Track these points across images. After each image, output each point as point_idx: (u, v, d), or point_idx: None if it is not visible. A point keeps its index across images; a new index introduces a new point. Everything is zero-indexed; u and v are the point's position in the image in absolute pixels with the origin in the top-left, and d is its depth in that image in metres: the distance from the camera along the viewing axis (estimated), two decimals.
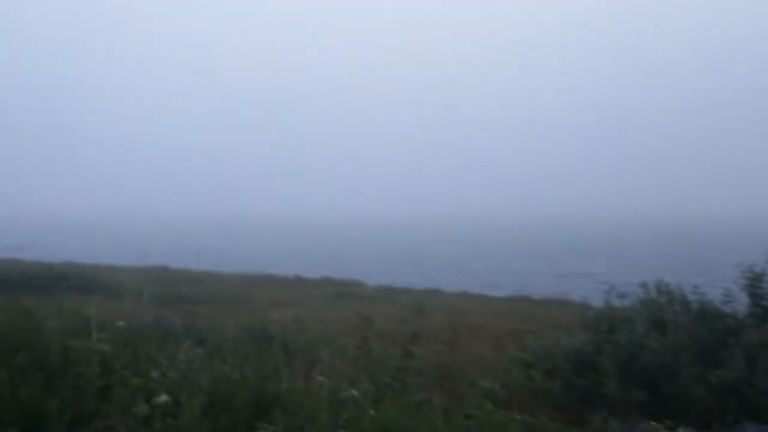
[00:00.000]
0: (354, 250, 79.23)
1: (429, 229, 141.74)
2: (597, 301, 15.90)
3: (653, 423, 6.07)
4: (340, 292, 30.18)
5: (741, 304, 9.70)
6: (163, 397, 4.20)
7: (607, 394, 8.32)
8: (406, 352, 7.09)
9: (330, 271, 40.76)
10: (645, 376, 8.51)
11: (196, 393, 4.34)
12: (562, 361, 8.79)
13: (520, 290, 33.09)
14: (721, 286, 10.06)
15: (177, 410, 4.02)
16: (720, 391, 8.38)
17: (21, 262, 36.96)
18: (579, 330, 9.92)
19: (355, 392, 5.12)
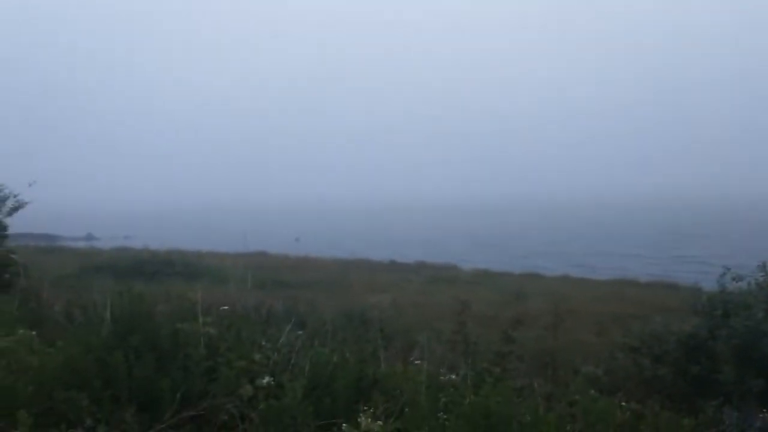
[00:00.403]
0: (447, 234, 78.95)
1: (512, 213, 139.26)
2: (705, 284, 15.11)
3: None
4: (436, 276, 30.20)
5: None
6: (266, 379, 4.29)
7: (721, 381, 7.88)
8: (506, 337, 6.97)
9: (424, 256, 40.88)
10: (764, 364, 8.00)
11: (297, 375, 4.40)
12: (673, 347, 8.39)
13: (620, 274, 32.07)
14: None
15: (279, 392, 4.09)
16: None
17: (130, 249, 39.16)
18: (691, 314, 9.44)
19: (454, 377, 5.07)
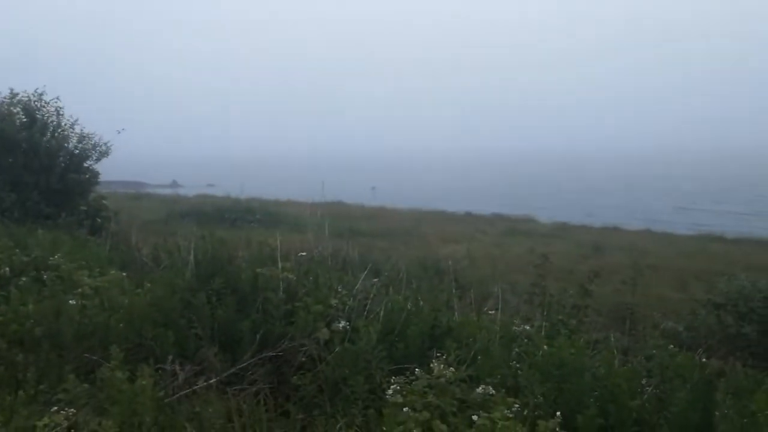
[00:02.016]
0: (523, 186, 77.60)
1: (588, 165, 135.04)
2: None
3: None
4: (513, 228, 29.90)
5: None
6: (342, 323, 4.40)
7: None
8: (583, 290, 6.88)
9: (501, 209, 40.42)
10: None
11: (372, 321, 4.49)
12: (760, 305, 8.08)
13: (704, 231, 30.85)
14: None
15: (355, 336, 4.19)
16: None
17: (212, 197, 40.42)
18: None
19: (528, 327, 5.05)
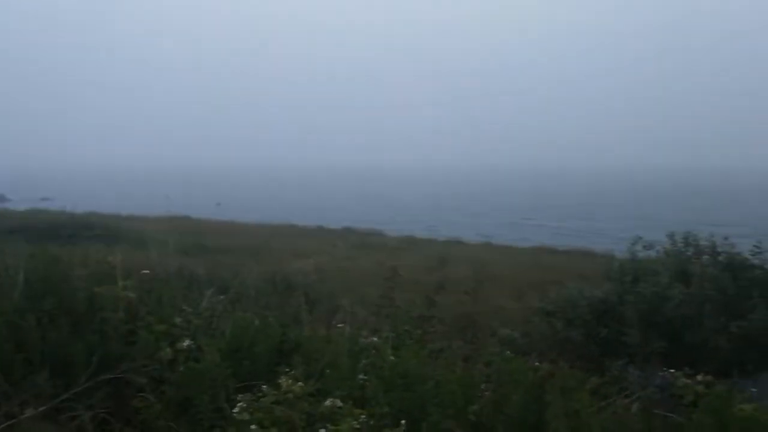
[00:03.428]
0: (373, 200, 79.16)
1: (423, 181, 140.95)
2: (618, 253, 15.79)
3: (672, 371, 6.05)
4: (363, 242, 30.33)
5: None
6: (187, 342, 4.27)
7: (628, 343, 8.32)
8: (428, 301, 7.11)
9: (350, 222, 40.95)
10: (666, 326, 8.49)
11: (218, 338, 4.39)
12: (585, 311, 8.79)
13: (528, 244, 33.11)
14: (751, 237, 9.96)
15: (199, 355, 4.08)
16: (741, 342, 8.36)
17: (47, 212, 37.54)
18: (603, 281, 9.88)
19: (375, 339, 5.16)
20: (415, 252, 26.74)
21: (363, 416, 3.43)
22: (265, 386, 3.68)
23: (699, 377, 5.75)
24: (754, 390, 6.27)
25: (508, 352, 5.36)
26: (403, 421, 3.42)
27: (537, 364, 5.21)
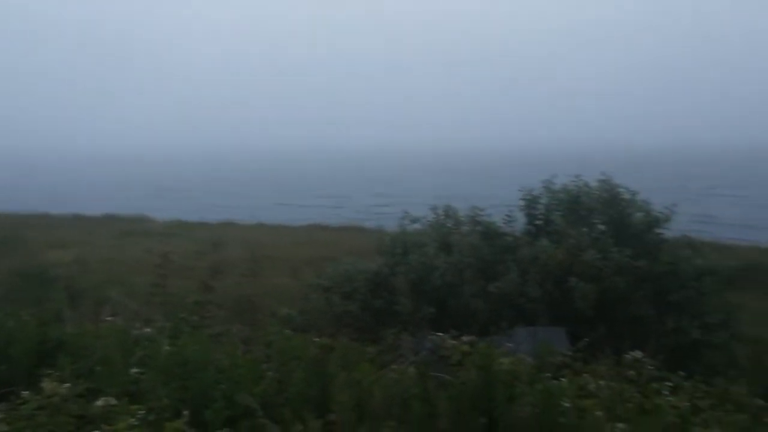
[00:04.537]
0: (137, 186, 74.89)
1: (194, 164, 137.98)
2: (389, 227, 16.62)
3: (441, 334, 6.53)
4: (128, 229, 28.61)
5: (520, 223, 10.71)
6: None
7: (400, 312, 8.81)
8: (204, 286, 6.91)
9: (113, 209, 38.36)
10: (434, 294, 9.14)
11: None
12: (361, 285, 9.13)
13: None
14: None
15: None
16: (497, 302, 9.27)
17: None
18: (375, 255, 10.33)
19: (149, 330, 4.90)
20: (185, 237, 25.83)
21: (141, 412, 3.24)
22: (25, 392, 3.32)
23: (464, 338, 6.28)
24: (510, 345, 7.00)
25: (288, 330, 5.40)
26: (185, 412, 3.28)
27: (317, 339, 5.31)
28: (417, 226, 10.82)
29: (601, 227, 9.73)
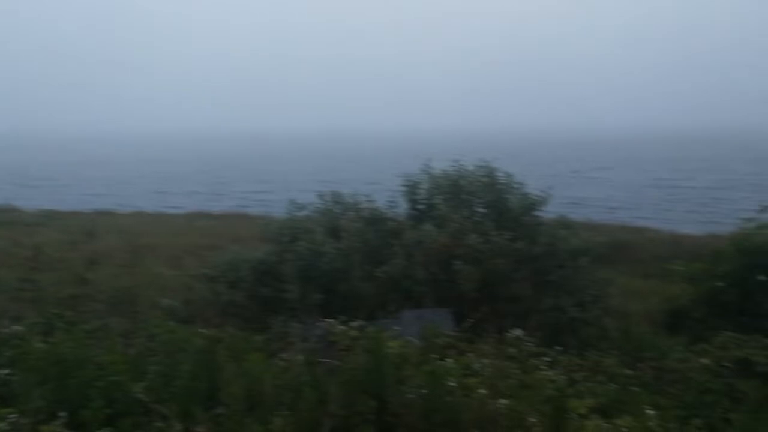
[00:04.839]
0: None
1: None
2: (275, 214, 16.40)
3: (329, 320, 6.55)
4: None
5: (404, 208, 10.87)
6: None
7: (289, 299, 8.73)
8: (79, 278, 6.57)
9: None
10: (322, 280, 9.11)
11: None
12: (247, 273, 8.95)
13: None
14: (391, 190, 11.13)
15: None
16: (384, 285, 9.38)
17: None
18: (260, 242, 10.17)
19: (19, 328, 4.61)
20: (57, 227, 24.32)
21: (13, 415, 3.02)
22: None
23: (353, 323, 6.33)
24: (397, 328, 7.11)
25: (172, 322, 5.22)
26: (62, 413, 3.10)
27: (203, 330, 5.17)
28: (305, 212, 10.74)
29: (482, 211, 10.01)
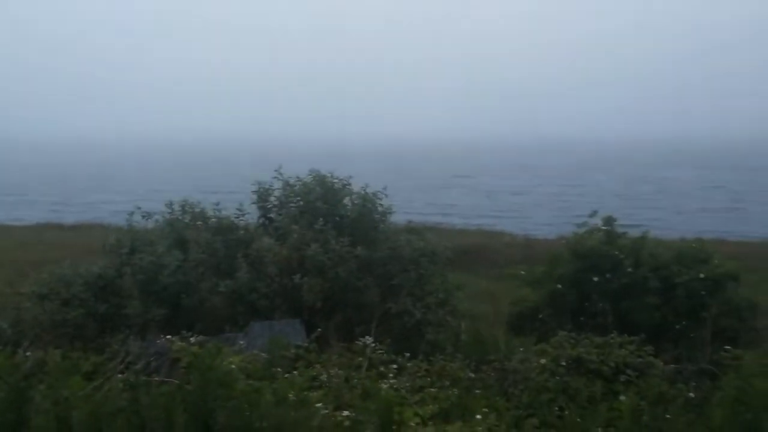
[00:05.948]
0: None
1: None
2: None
3: (170, 336, 6.26)
4: None
5: (253, 216, 10.60)
6: None
7: (129, 315, 8.28)
8: None
9: None
10: (165, 294, 8.71)
11: None
12: (82, 289, 8.38)
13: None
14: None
15: None
16: (231, 299, 9.14)
17: None
18: (101, 255, 9.56)
19: None
20: None
21: None
22: None
23: (192, 339, 6.09)
24: (242, 342, 6.93)
25: None
26: None
27: (27, 354, 4.76)
28: (150, 222, 10.20)
29: (320, 219, 9.83)
